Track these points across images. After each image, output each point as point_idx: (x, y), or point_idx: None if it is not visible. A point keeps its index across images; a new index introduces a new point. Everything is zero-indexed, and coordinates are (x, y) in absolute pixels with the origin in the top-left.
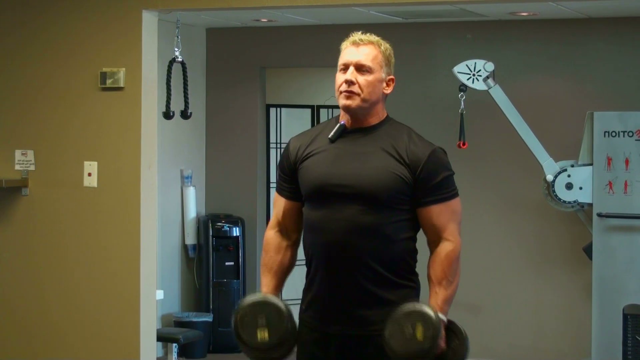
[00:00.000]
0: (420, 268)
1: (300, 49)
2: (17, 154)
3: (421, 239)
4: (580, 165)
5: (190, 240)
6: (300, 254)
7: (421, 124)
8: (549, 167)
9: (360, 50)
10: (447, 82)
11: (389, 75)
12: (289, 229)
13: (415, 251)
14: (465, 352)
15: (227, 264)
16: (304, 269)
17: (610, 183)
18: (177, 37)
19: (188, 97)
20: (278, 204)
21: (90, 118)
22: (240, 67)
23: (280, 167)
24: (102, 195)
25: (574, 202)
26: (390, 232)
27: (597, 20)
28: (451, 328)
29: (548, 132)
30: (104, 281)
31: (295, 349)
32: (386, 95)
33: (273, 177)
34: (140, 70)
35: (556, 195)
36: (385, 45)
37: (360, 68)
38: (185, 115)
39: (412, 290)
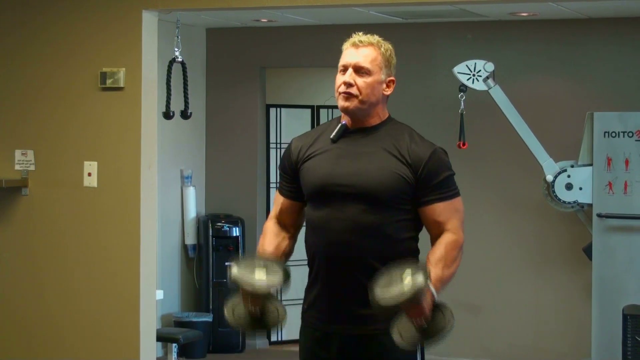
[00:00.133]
0: None
1: (300, 49)
2: (17, 154)
3: (423, 239)
4: (580, 166)
5: (190, 240)
6: (302, 253)
7: (421, 124)
8: (549, 167)
9: (359, 52)
10: (447, 83)
11: (389, 76)
12: (287, 225)
13: (417, 251)
14: (444, 328)
15: (227, 264)
16: (305, 269)
17: (610, 183)
18: (177, 37)
19: (188, 97)
20: (277, 201)
21: (90, 118)
22: (240, 67)
23: (282, 166)
24: (102, 195)
25: (574, 202)
26: (392, 232)
27: (597, 20)
28: (439, 306)
29: (548, 132)
30: (104, 281)
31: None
32: (386, 96)
33: (273, 177)
34: (140, 70)
35: (556, 196)
36: (385, 46)
37: (359, 70)
38: (185, 115)
39: None
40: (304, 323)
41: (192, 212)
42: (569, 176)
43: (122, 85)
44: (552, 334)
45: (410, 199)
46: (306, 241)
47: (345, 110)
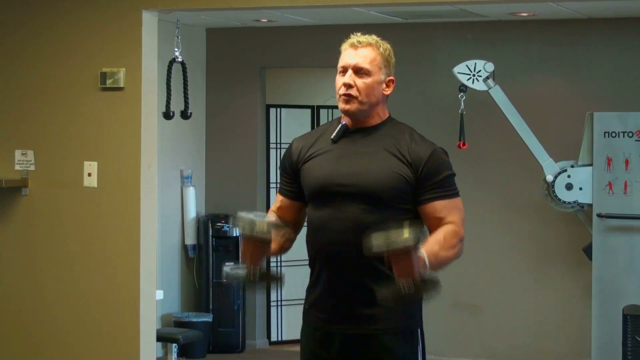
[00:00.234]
0: None
1: (300, 49)
2: (17, 154)
3: None
4: (580, 166)
5: (190, 240)
6: (303, 254)
7: (421, 124)
8: (549, 167)
9: (358, 53)
10: (447, 83)
11: (388, 76)
12: (286, 222)
13: None
14: (429, 290)
15: (227, 264)
16: (306, 269)
17: (610, 183)
18: (177, 37)
19: (188, 97)
20: (277, 199)
21: (90, 118)
22: (240, 67)
23: (282, 167)
24: (102, 195)
25: (574, 202)
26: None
27: (597, 20)
28: (430, 280)
29: (548, 133)
30: (104, 281)
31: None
32: (386, 96)
33: (273, 178)
34: (140, 70)
35: (556, 196)
36: (384, 46)
37: (359, 71)
38: (185, 115)
39: None
40: (305, 323)
41: (192, 212)
42: (569, 176)
43: (122, 85)
44: (552, 334)
45: (411, 198)
46: (307, 241)
47: (346, 113)
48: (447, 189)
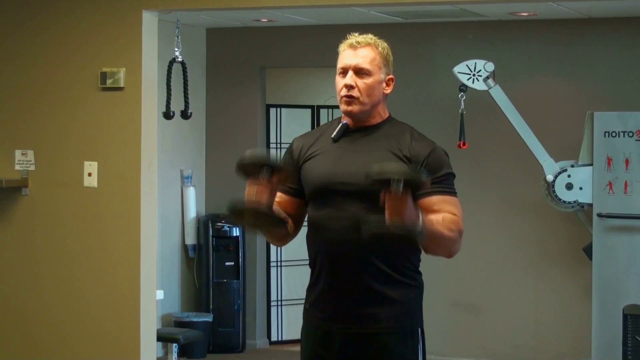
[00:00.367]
0: (423, 268)
1: (300, 49)
2: (17, 154)
3: None
4: (581, 166)
5: (190, 240)
6: (303, 254)
7: (421, 124)
8: (549, 167)
9: (358, 53)
10: (447, 82)
11: (388, 75)
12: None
13: (419, 250)
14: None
15: (227, 264)
16: (306, 269)
17: (610, 183)
18: (177, 37)
19: (188, 97)
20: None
21: (91, 118)
22: (240, 67)
23: (282, 163)
24: (102, 195)
25: (574, 202)
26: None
27: (597, 20)
28: (418, 232)
29: (548, 132)
30: (104, 281)
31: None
32: (386, 95)
33: None
34: (140, 70)
35: (556, 196)
36: (382, 45)
37: (359, 71)
38: (185, 115)
39: (415, 289)
40: (306, 322)
41: (192, 212)
42: (569, 176)
43: (122, 85)
44: (552, 334)
45: (412, 197)
46: (307, 240)
47: (349, 114)
48: (445, 185)
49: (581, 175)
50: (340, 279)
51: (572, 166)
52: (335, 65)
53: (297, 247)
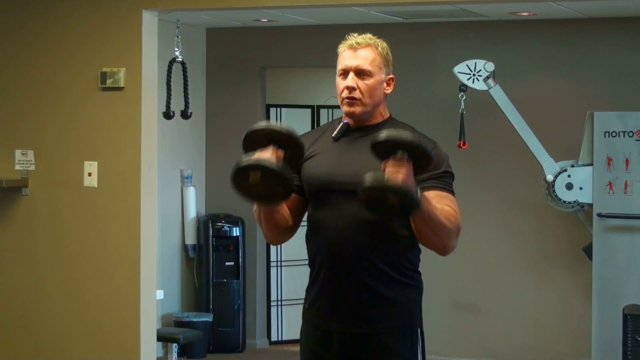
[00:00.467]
0: (423, 268)
1: (300, 49)
2: (17, 153)
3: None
4: (581, 166)
5: (190, 240)
6: (302, 254)
7: (421, 124)
8: (549, 167)
9: (358, 54)
10: (447, 82)
11: (388, 75)
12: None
13: (418, 249)
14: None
15: (227, 264)
16: (306, 269)
17: (610, 183)
18: (177, 37)
19: (188, 97)
20: None
21: (91, 118)
22: (240, 67)
23: None
24: (102, 195)
25: (574, 202)
26: (393, 230)
27: (597, 20)
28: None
29: (548, 132)
30: (104, 281)
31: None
32: (387, 94)
33: None
34: (141, 70)
35: (556, 196)
36: (382, 45)
37: (360, 73)
38: (185, 115)
39: (415, 289)
40: (305, 322)
41: (192, 212)
42: (569, 176)
43: (122, 85)
44: (552, 334)
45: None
46: (307, 240)
47: (351, 115)
48: (444, 182)
49: (581, 175)
50: (339, 279)
51: (572, 166)
52: (335, 65)
53: (297, 247)
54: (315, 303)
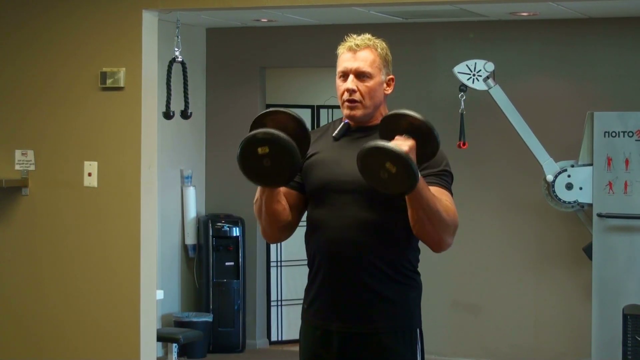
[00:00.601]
0: (422, 268)
1: (300, 49)
2: (17, 153)
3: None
4: (581, 166)
5: (190, 240)
6: (302, 254)
7: None
8: (549, 167)
9: (357, 56)
10: (447, 82)
11: (388, 75)
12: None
13: (417, 250)
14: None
15: (227, 264)
16: (305, 269)
17: (610, 183)
18: (177, 37)
19: (188, 97)
20: None
21: (91, 118)
22: (240, 67)
23: None
24: (102, 195)
25: (574, 202)
26: (393, 229)
27: (597, 20)
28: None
29: (548, 132)
30: (104, 281)
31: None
32: (387, 95)
33: None
34: (141, 70)
35: (556, 196)
36: (381, 46)
37: (360, 75)
38: (185, 115)
39: (414, 290)
40: (304, 322)
41: (192, 212)
42: (569, 176)
43: (122, 85)
44: (552, 334)
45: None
46: (306, 240)
47: (352, 118)
48: (442, 180)
49: (581, 175)
50: (338, 279)
51: (572, 166)
52: (334, 66)
53: (297, 247)
54: (315, 303)
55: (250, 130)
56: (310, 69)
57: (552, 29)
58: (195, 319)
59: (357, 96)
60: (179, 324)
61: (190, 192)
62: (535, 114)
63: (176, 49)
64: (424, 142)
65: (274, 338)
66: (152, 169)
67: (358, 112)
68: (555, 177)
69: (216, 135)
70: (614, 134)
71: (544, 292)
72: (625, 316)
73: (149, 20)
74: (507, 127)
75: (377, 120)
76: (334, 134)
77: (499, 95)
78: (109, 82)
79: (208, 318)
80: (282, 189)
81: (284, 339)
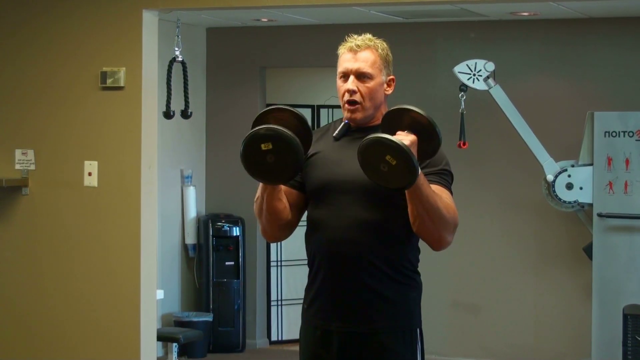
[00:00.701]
0: (422, 268)
1: (300, 49)
2: (18, 153)
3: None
4: (581, 165)
5: (191, 240)
6: (302, 254)
7: None
8: (549, 167)
9: (358, 57)
10: (447, 82)
11: (388, 76)
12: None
13: (417, 250)
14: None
15: (227, 263)
16: (306, 269)
17: (610, 183)
18: (177, 36)
19: (188, 97)
20: None
21: (91, 117)
22: (240, 67)
23: None
24: (103, 195)
25: (574, 202)
26: (393, 229)
27: (597, 20)
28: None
29: (548, 132)
30: (105, 281)
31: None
32: (388, 95)
33: None
34: (141, 70)
35: (556, 195)
36: (382, 46)
37: (361, 76)
38: (185, 115)
39: (414, 289)
40: (304, 322)
41: (192, 212)
42: (569, 176)
43: (122, 84)
44: (552, 334)
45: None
46: (306, 240)
47: (353, 121)
48: (442, 178)
49: (581, 175)
50: (338, 278)
51: (573, 166)
52: (335, 66)
53: (297, 247)
54: (315, 303)
55: (253, 128)
56: (310, 68)
57: (553, 29)
58: (195, 319)
59: (357, 97)
60: (179, 323)
61: (191, 192)
62: (535, 114)
63: (176, 49)
64: (425, 138)
65: (274, 338)
66: (152, 168)
67: (358, 115)
68: (556, 177)
69: (216, 135)
70: (614, 134)
71: (544, 292)
72: (625, 316)
73: (149, 20)
74: (507, 127)
75: (378, 120)
76: (334, 134)
77: (499, 95)
78: (109, 81)
79: (208, 318)
80: (283, 188)
81: (284, 338)
